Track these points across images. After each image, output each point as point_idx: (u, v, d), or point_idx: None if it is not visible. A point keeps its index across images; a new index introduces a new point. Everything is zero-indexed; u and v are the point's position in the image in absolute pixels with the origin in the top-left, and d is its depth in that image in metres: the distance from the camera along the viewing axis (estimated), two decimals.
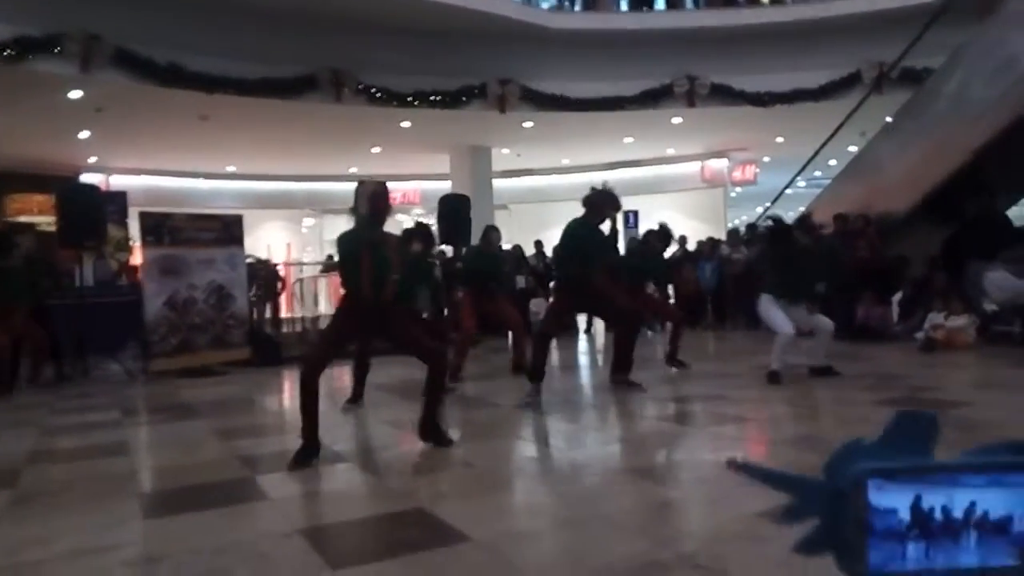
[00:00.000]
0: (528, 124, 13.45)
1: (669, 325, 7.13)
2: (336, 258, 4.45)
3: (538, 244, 12.24)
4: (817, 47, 12.34)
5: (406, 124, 12.96)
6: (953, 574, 0.59)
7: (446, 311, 8.84)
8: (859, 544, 0.58)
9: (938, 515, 0.58)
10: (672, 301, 12.28)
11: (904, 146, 9.47)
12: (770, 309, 5.61)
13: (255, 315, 8.85)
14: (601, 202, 5.30)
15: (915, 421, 0.63)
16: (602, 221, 5.35)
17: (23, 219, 13.50)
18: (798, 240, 5.80)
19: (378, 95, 11.82)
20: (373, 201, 3.69)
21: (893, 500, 0.58)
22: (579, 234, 5.30)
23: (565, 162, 16.99)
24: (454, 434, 4.56)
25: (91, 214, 7.57)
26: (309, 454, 3.53)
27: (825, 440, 3.66)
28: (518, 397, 5.26)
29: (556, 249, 6.12)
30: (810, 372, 5.66)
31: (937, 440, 0.61)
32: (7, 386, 6.56)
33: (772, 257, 5.97)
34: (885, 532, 0.58)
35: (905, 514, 0.58)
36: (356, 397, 5.24)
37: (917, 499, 0.58)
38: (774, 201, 14.56)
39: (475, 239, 9.33)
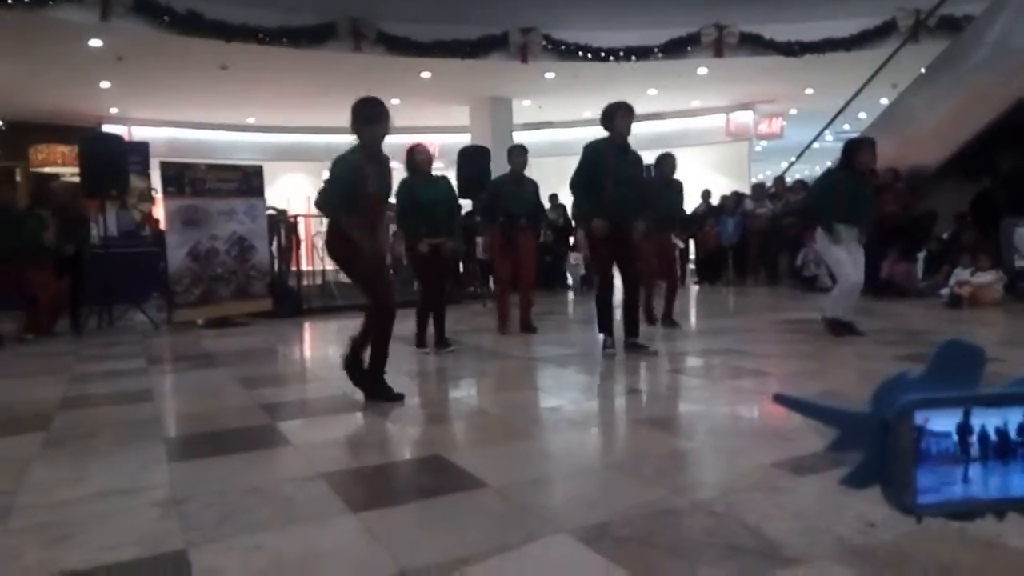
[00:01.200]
0: (550, 75, 13.21)
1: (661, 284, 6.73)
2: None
3: (553, 198, 12.08)
4: None
5: (426, 75, 12.79)
6: (1007, 503, 0.57)
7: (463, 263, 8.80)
8: (906, 474, 0.57)
9: (992, 437, 0.57)
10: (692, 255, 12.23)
11: (938, 97, 9.18)
12: (833, 248, 5.39)
13: (276, 267, 8.90)
14: (610, 112, 4.88)
15: (961, 352, 0.61)
16: (624, 138, 4.88)
17: (48, 169, 13.65)
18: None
19: (398, 45, 11.65)
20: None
21: (942, 427, 0.57)
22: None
23: (587, 115, 16.65)
24: (470, 385, 4.62)
25: (114, 164, 7.60)
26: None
27: (847, 395, 3.65)
28: (531, 349, 5.27)
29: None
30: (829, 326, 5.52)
31: (983, 371, 0.60)
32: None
33: (838, 180, 5.57)
34: (933, 460, 0.56)
35: (954, 439, 0.57)
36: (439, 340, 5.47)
37: (967, 425, 0.57)
38: (800, 155, 14.26)
39: None
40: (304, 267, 9.89)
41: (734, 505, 2.24)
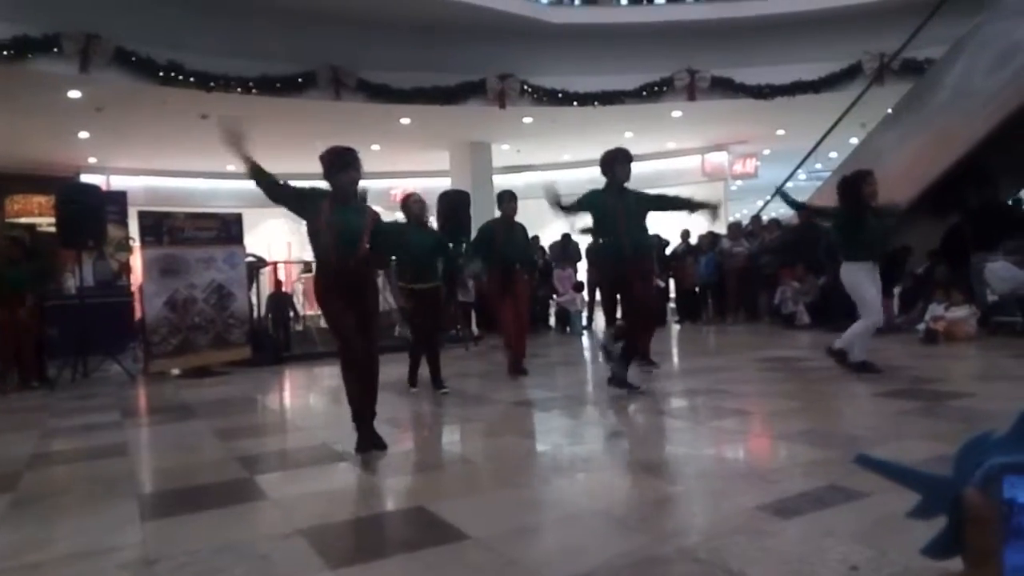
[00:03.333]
0: (528, 119, 13.43)
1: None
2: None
3: (534, 239, 12.17)
4: (817, 39, 12.30)
5: (405, 121, 12.94)
6: None
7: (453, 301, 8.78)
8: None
9: None
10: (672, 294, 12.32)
11: (905, 137, 9.44)
12: (864, 283, 5.20)
13: (256, 314, 8.83)
14: (611, 159, 5.04)
15: None
16: (622, 182, 5.03)
17: (24, 220, 13.51)
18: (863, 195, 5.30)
19: (377, 92, 11.80)
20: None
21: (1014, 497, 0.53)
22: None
23: (566, 157, 16.95)
24: (454, 431, 4.57)
25: (92, 214, 7.56)
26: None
27: (827, 433, 3.65)
28: (515, 393, 5.23)
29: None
30: (835, 356, 5.43)
31: None
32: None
33: (846, 215, 5.40)
34: (1021, 532, 0.52)
35: None
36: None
37: None
38: (775, 194, 14.52)
39: (474, 236, 9.32)
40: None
41: (718, 550, 2.21)
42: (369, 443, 3.68)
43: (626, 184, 5.10)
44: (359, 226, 3.69)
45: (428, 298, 5.56)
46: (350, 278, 3.67)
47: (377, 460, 3.63)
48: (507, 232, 6.35)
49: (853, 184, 5.34)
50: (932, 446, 3.12)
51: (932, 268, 8.32)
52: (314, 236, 3.70)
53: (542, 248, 12.05)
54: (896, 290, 8.76)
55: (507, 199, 6.44)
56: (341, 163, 3.70)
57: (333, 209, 3.66)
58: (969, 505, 0.54)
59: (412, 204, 5.71)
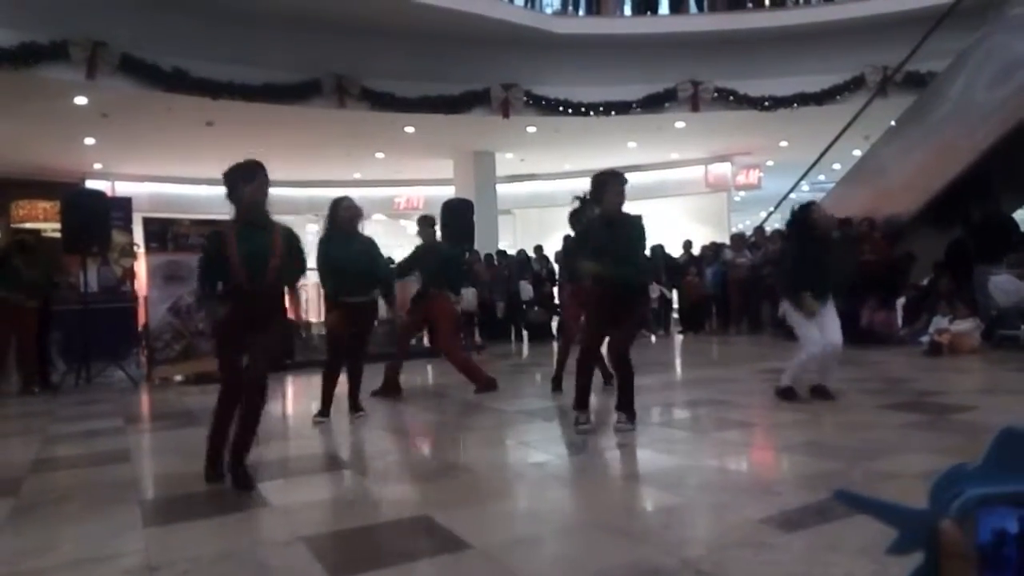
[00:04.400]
0: (531, 129, 13.47)
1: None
2: None
3: (538, 249, 12.24)
4: (820, 51, 12.33)
5: (409, 129, 12.99)
6: None
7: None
8: None
9: None
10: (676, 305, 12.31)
11: (908, 150, 9.46)
12: (795, 313, 4.91)
13: None
14: (602, 181, 4.37)
15: (1020, 439, 0.57)
16: (618, 207, 4.38)
17: (29, 225, 13.57)
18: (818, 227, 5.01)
19: (382, 101, 11.85)
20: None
21: (1003, 528, 0.52)
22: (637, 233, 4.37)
23: (568, 167, 16.99)
24: (456, 440, 4.57)
25: (96, 220, 7.58)
26: None
27: (830, 446, 3.64)
28: (517, 403, 5.23)
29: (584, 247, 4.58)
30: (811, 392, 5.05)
31: None
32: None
33: (798, 247, 5.11)
34: (997, 565, 0.51)
35: (1016, 546, 0.51)
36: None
37: None
38: (778, 205, 14.54)
39: (478, 244, 9.34)
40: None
41: (722, 563, 2.21)
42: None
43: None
44: (267, 247, 3.40)
45: (359, 313, 5.03)
46: (262, 303, 3.41)
47: (378, 468, 3.63)
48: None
49: (804, 217, 5.04)
50: (935, 460, 3.11)
51: (936, 280, 8.31)
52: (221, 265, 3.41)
53: (546, 257, 12.06)
54: (899, 302, 8.75)
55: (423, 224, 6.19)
56: (245, 176, 3.40)
57: (237, 233, 3.38)
58: (945, 540, 0.53)
59: (342, 210, 5.04)
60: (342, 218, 5.03)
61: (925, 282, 8.79)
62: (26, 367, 7.11)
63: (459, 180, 15.26)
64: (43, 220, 13.58)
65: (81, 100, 10.44)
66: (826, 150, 11.24)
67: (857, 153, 11.88)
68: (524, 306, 11.59)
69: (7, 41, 9.08)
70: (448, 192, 14.16)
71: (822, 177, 15.34)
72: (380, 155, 15.15)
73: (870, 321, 8.37)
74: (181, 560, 2.41)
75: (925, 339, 7.48)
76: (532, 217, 17.79)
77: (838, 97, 12.38)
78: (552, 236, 13.93)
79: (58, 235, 8.17)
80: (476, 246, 8.20)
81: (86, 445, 4.54)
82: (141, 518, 2.92)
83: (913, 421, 4.17)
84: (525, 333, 11.74)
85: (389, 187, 18.03)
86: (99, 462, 4.02)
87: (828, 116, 11.76)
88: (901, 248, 9.07)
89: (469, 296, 9.92)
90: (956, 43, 9.28)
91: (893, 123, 10.29)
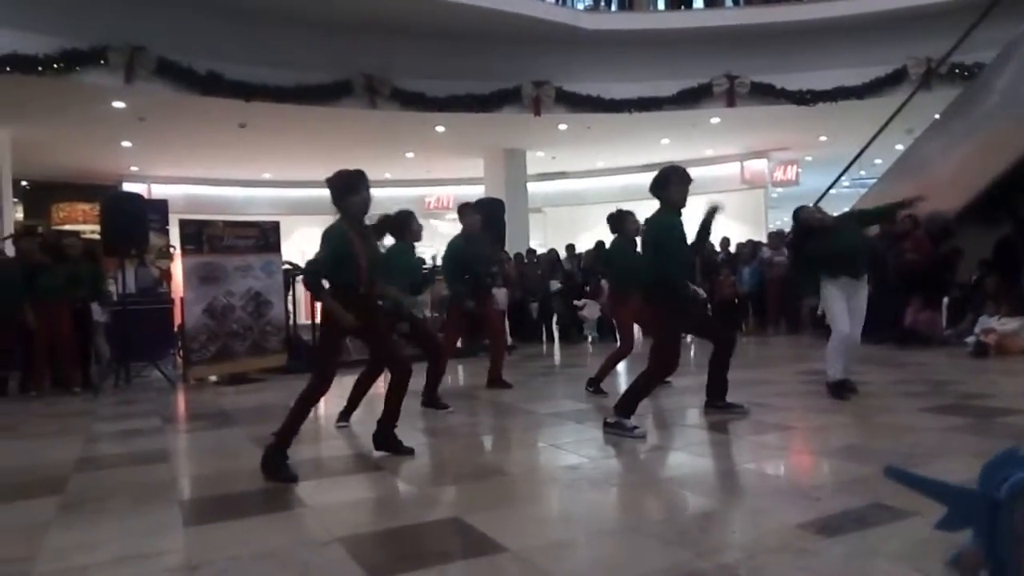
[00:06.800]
0: (563, 126, 13.41)
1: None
2: None
3: (570, 248, 12.18)
4: (861, 43, 12.06)
5: (440, 128, 13.03)
6: None
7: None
8: (1017, 558, 0.50)
9: None
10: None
11: (954, 144, 9.20)
12: (830, 296, 5.02)
13: (292, 321, 8.92)
14: (669, 179, 4.32)
15: None
16: (681, 207, 4.34)
17: (69, 227, 13.94)
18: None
19: (412, 100, 11.90)
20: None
21: None
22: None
23: (600, 164, 16.89)
24: (489, 442, 4.56)
25: (134, 222, 7.72)
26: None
27: (872, 450, 3.55)
28: (549, 404, 5.18)
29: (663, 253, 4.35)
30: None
31: None
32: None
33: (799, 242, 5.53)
34: None
35: None
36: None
37: None
38: (817, 202, 14.26)
39: (508, 244, 9.30)
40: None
41: (759, 568, 2.16)
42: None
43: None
44: (377, 250, 3.81)
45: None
46: (371, 302, 3.71)
47: (412, 470, 3.64)
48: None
49: (800, 229, 5.48)
50: (978, 464, 2.99)
51: (982, 279, 8.06)
52: (340, 263, 3.60)
53: (579, 256, 11.99)
54: (944, 301, 8.52)
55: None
56: (353, 186, 3.68)
57: (356, 233, 3.66)
58: (966, 563, 0.51)
59: (417, 225, 5.43)
60: (416, 231, 5.43)
61: (971, 281, 8.54)
62: (64, 368, 7.25)
63: (489, 179, 15.27)
64: (83, 222, 13.93)
65: (119, 104, 10.68)
66: (867, 145, 10.97)
67: (900, 148, 11.60)
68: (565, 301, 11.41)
69: (50, 48, 9.33)
70: (478, 191, 14.18)
71: (863, 173, 15.01)
72: (410, 154, 15.23)
73: (914, 321, 8.16)
74: (221, 559, 2.44)
75: (971, 340, 7.26)
76: (563, 215, 17.73)
77: (879, 90, 12.10)
78: (583, 235, 13.84)
79: (98, 236, 8.36)
80: (507, 246, 8.17)
81: (127, 444, 4.62)
82: (181, 517, 2.96)
83: (957, 424, 4.05)
84: (556, 334, 11.68)
85: (419, 187, 18.12)
86: (140, 461, 4.09)
87: (869, 110, 11.51)
88: (947, 245, 8.81)
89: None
90: (1003, 33, 9.00)
91: (937, 116, 10.02)
